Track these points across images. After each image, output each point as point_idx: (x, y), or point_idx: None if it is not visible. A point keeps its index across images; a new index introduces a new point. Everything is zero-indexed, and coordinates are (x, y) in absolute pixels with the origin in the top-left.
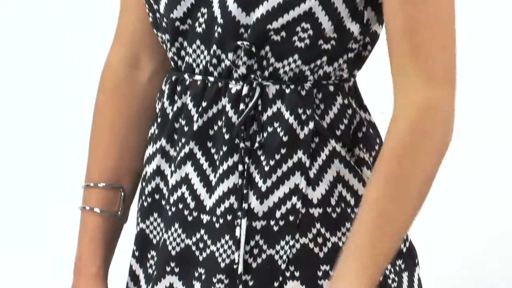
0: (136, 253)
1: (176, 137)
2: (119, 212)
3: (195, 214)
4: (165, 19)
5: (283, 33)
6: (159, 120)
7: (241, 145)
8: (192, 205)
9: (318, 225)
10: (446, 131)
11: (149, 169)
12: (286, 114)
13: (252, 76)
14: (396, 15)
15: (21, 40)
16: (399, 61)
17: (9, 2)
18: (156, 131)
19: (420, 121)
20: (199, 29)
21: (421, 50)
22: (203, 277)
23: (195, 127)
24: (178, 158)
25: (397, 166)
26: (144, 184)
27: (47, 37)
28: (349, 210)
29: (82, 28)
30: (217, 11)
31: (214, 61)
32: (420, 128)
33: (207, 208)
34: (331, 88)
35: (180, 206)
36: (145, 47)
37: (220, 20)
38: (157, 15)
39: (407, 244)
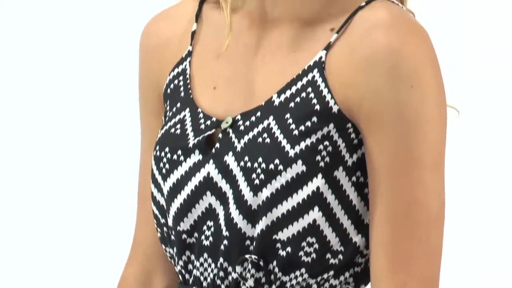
0: None
1: None
2: None
3: None
4: (173, 232)
5: (289, 248)
6: None
7: None
8: None
9: None
10: None
11: None
12: None
13: None
14: (381, 224)
15: (21, 40)
16: (376, 263)
17: (9, 2)
18: None
19: None
20: (205, 242)
21: (399, 260)
22: None
23: None
24: None
25: None
26: None
27: (47, 37)
28: None
29: (83, 28)
30: (222, 224)
31: (222, 274)
32: None
33: None
34: None
35: None
36: (159, 266)
37: (225, 233)
38: (165, 229)
39: None
